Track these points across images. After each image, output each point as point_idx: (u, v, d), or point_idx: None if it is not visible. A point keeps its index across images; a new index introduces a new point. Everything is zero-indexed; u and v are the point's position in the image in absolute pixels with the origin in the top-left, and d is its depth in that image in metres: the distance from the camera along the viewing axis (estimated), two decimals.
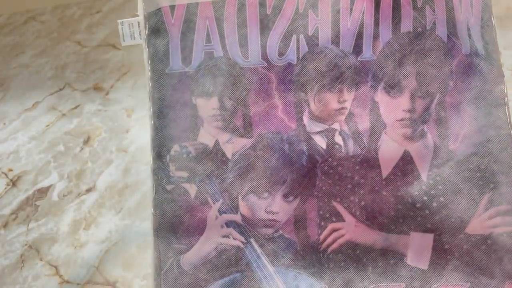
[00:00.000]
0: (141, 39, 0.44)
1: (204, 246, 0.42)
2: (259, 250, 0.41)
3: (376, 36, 0.41)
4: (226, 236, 0.42)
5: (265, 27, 0.41)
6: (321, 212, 0.42)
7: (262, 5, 0.42)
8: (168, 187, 0.42)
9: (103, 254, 0.58)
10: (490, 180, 0.41)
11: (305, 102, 0.42)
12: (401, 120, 0.42)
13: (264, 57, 0.42)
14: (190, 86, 0.42)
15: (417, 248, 0.41)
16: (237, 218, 0.42)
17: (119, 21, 0.45)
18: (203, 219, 0.42)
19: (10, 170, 0.75)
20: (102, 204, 0.65)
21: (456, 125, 0.42)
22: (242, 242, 0.42)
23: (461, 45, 0.43)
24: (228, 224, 0.42)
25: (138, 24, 0.44)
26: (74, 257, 0.59)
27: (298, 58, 0.41)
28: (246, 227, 0.42)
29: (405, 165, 0.42)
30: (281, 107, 0.42)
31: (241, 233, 0.42)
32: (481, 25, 0.44)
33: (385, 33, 0.41)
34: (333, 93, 0.41)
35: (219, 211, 0.42)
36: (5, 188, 0.72)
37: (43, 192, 0.70)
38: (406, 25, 0.42)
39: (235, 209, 0.42)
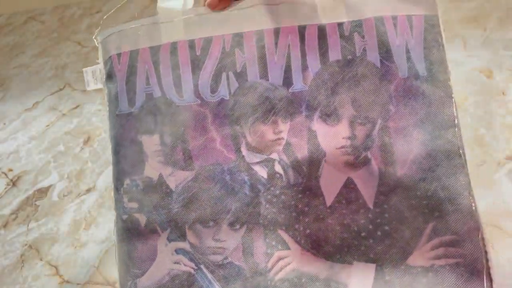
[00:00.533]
0: (101, 84, 0.49)
1: (158, 271, 0.44)
2: (210, 276, 0.43)
3: (305, 68, 0.42)
4: (177, 263, 0.43)
5: (195, 67, 0.44)
6: (267, 240, 0.43)
7: (191, 47, 0.44)
8: (124, 217, 0.45)
9: (103, 254, 0.59)
10: (436, 208, 0.40)
11: (241, 135, 0.43)
12: (341, 147, 0.41)
13: (197, 95, 0.43)
14: (135, 125, 0.45)
15: (359, 279, 0.40)
16: (185, 246, 0.43)
17: (84, 69, 0.50)
18: (154, 245, 0.44)
19: (10, 170, 0.75)
20: (102, 204, 0.65)
21: (403, 150, 0.41)
22: (193, 268, 0.43)
23: (397, 68, 0.42)
24: (178, 251, 0.43)
25: (99, 70, 0.48)
26: (74, 257, 0.59)
27: (230, 93, 0.43)
28: (195, 254, 0.43)
29: (349, 193, 0.41)
30: (219, 140, 0.43)
31: (191, 259, 0.43)
32: (424, 46, 0.43)
33: (314, 63, 0.42)
34: (268, 125, 0.42)
35: (167, 238, 0.44)
36: (5, 188, 0.72)
37: (43, 192, 0.70)
38: (334, 54, 0.42)
39: (183, 237, 0.43)
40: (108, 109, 0.47)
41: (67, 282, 0.57)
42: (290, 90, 0.42)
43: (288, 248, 0.42)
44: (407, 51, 0.43)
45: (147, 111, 0.44)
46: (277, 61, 0.42)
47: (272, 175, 0.43)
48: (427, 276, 0.39)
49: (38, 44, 1.12)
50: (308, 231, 0.42)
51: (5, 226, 0.66)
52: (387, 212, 0.41)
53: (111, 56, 0.46)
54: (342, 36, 0.42)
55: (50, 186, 0.70)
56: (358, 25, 0.42)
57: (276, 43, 0.42)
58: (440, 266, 0.39)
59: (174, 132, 0.43)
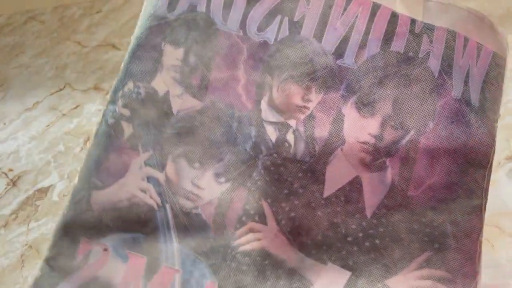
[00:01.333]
0: None
1: (119, 192, 0.40)
2: (171, 221, 0.39)
3: (362, 45, 0.40)
4: (143, 191, 0.40)
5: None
6: (246, 207, 0.40)
7: None
8: (110, 121, 0.41)
9: None
10: (438, 240, 0.38)
11: (269, 86, 0.40)
12: (363, 143, 0.39)
13: (243, 26, 0.40)
14: (165, 31, 0.41)
15: (327, 282, 0.38)
16: (160, 177, 0.40)
17: None
18: (127, 163, 0.40)
19: (10, 170, 0.75)
20: None
21: (424, 172, 0.39)
22: (157, 204, 0.39)
23: (452, 86, 0.40)
24: (150, 179, 0.40)
25: None
26: None
27: (276, 39, 0.40)
28: (167, 190, 0.40)
29: (352, 192, 0.39)
30: (243, 82, 0.40)
31: (160, 194, 0.40)
32: (484, 80, 0.41)
33: (373, 45, 0.39)
34: (300, 88, 0.39)
35: (145, 161, 0.40)
36: (5, 188, 0.72)
37: (43, 192, 0.70)
38: (398, 45, 0.40)
39: (161, 167, 0.40)
40: (144, 4, 0.44)
41: None
42: (337, 62, 0.40)
43: (265, 223, 0.39)
44: (467, 76, 0.41)
45: (183, 22, 0.41)
46: (338, 27, 0.40)
47: (281, 141, 0.40)
48: None
49: (38, 44, 1.12)
50: (293, 214, 0.39)
51: (5, 226, 0.66)
52: (383, 227, 0.38)
53: None
54: (411, 31, 0.40)
55: (50, 186, 0.70)
56: (430, 28, 0.41)
57: (345, 9, 0.40)
58: None
59: (202, 54, 0.40)
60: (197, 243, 0.39)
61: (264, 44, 0.40)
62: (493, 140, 0.40)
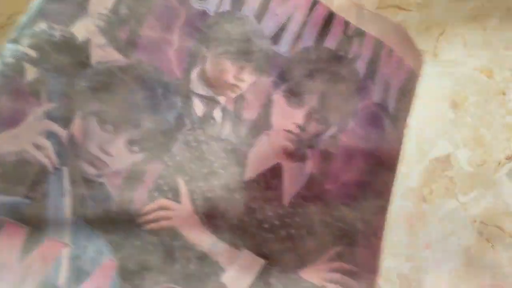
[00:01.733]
0: None
1: (8, 143, 0.34)
2: (67, 187, 0.34)
3: (298, 37, 0.40)
4: (38, 148, 0.34)
5: None
6: (159, 181, 0.37)
7: None
8: (8, 60, 0.36)
9: None
10: (349, 236, 0.39)
11: (202, 57, 0.39)
12: (288, 131, 0.40)
13: None
14: None
15: (240, 268, 0.36)
16: (62, 134, 0.35)
17: None
18: (24, 111, 0.35)
19: None
20: None
21: (340, 168, 0.40)
22: (53, 166, 0.34)
23: (374, 91, 0.42)
24: (49, 135, 0.35)
25: None
26: None
27: (216, 11, 0.39)
28: (68, 151, 0.35)
29: (272, 179, 0.39)
30: (175, 47, 0.38)
31: (58, 155, 0.35)
32: (401, 89, 0.44)
33: (308, 38, 0.40)
34: (234, 66, 0.39)
35: (47, 113, 0.35)
36: None
37: None
38: (330, 42, 0.41)
39: (66, 122, 0.35)
40: None
41: None
42: (273, 48, 0.40)
43: (179, 202, 0.37)
44: (387, 84, 0.44)
45: None
46: (279, 14, 0.40)
47: (207, 117, 0.38)
48: None
49: None
50: (210, 194, 0.37)
51: None
52: (299, 217, 0.38)
53: None
54: (345, 32, 0.42)
55: None
56: (361, 33, 0.43)
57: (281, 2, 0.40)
58: None
59: (134, 8, 0.37)
60: (95, 215, 0.34)
61: (203, 14, 0.39)
62: (400, 146, 0.44)
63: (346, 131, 0.41)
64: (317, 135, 0.40)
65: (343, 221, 0.39)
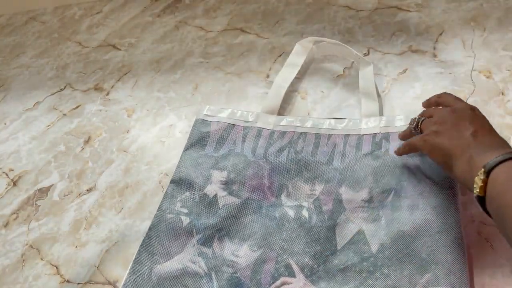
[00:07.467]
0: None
1: (176, 264, 0.53)
2: (216, 284, 0.50)
3: (343, 155, 0.59)
4: (194, 263, 0.52)
5: (270, 143, 0.64)
6: (277, 266, 0.50)
7: (271, 134, 0.66)
8: (169, 216, 0.58)
9: (104, 253, 0.59)
10: (427, 266, 0.46)
11: (285, 186, 0.58)
12: (360, 207, 0.53)
13: (265, 155, 0.62)
14: (212, 163, 0.63)
15: None
16: (208, 252, 0.53)
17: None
18: (184, 243, 0.55)
19: (11, 170, 0.76)
20: (102, 203, 0.65)
21: (409, 215, 0.51)
22: (204, 272, 0.51)
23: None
24: (200, 254, 0.53)
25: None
26: (75, 256, 0.59)
27: (287, 159, 0.61)
28: (213, 261, 0.52)
29: (359, 242, 0.50)
30: (267, 185, 0.58)
31: (206, 264, 0.52)
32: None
33: (350, 152, 0.59)
34: (307, 185, 0.57)
35: (198, 241, 0.54)
36: (6, 188, 0.72)
37: (44, 192, 0.70)
38: (366, 149, 0.59)
39: (210, 243, 0.54)
40: (188, 143, 0.67)
41: (68, 281, 0.57)
42: (329, 166, 0.59)
43: (294, 276, 0.49)
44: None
45: (226, 157, 0.63)
46: (326, 149, 0.61)
47: (299, 216, 0.54)
48: None
49: (39, 44, 1.12)
50: (316, 266, 0.50)
51: (6, 226, 0.67)
52: (387, 258, 0.48)
53: (211, 122, 0.68)
54: (373, 141, 0.60)
55: (50, 186, 0.70)
56: (386, 136, 0.60)
57: (328, 138, 0.62)
58: None
59: (240, 173, 0.60)
60: None
61: (279, 163, 0.61)
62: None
63: (402, 190, 0.53)
64: (382, 201, 0.53)
65: (419, 254, 0.48)
